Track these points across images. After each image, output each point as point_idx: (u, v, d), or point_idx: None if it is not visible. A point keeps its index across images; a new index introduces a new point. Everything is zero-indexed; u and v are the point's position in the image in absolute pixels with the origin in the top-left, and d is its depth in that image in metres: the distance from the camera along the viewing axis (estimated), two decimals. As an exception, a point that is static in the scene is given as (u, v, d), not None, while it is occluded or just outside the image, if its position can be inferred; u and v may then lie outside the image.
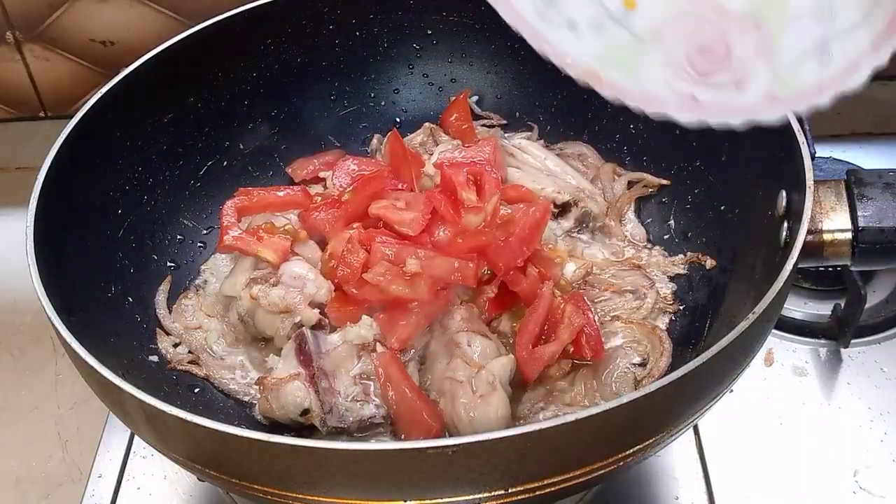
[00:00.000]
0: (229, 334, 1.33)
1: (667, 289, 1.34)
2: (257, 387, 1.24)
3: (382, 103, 1.58)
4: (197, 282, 1.40)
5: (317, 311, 1.25)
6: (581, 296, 1.30)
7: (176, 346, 1.31)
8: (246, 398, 1.27)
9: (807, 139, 1.13)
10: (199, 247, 1.44)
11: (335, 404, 1.18)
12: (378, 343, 1.23)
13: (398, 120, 1.58)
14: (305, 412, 1.17)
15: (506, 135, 1.53)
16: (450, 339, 1.21)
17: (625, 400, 0.89)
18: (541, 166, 1.45)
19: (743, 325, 0.96)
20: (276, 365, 1.22)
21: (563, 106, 1.53)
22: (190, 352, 1.31)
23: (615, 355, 1.26)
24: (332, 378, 1.20)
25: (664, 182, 1.43)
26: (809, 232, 1.08)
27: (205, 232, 1.45)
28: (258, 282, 1.27)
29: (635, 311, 1.31)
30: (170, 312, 1.34)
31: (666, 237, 1.41)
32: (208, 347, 1.32)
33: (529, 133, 1.54)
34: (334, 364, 1.21)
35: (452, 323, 1.23)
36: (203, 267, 1.42)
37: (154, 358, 1.28)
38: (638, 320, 1.30)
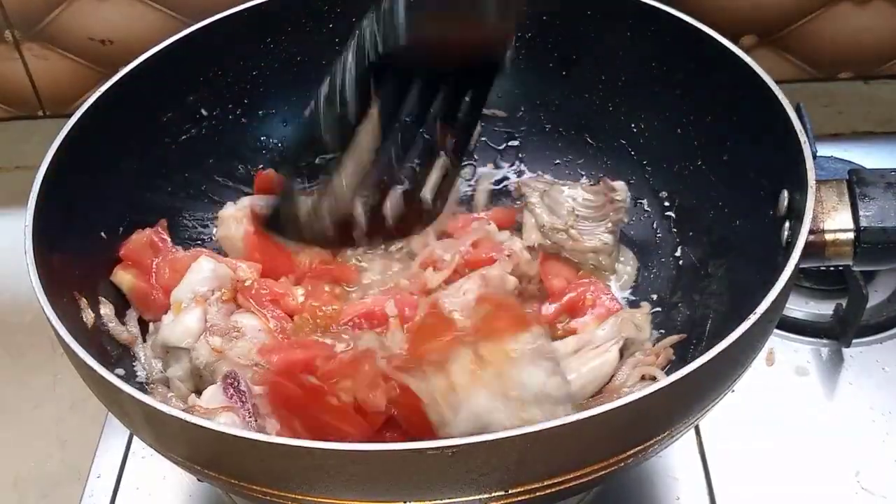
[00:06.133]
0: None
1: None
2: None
3: (382, 103, 1.58)
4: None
5: None
6: None
7: None
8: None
9: (808, 138, 1.13)
10: (199, 246, 1.44)
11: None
12: None
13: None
14: None
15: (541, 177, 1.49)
16: None
17: (625, 400, 0.89)
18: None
19: (744, 326, 0.96)
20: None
21: (564, 105, 1.52)
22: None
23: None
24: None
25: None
26: (811, 232, 1.08)
27: (205, 231, 1.45)
28: (215, 332, 1.22)
29: None
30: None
31: (667, 236, 1.41)
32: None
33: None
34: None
35: None
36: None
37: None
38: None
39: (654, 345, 1.29)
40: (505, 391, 1.11)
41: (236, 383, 1.15)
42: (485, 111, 1.55)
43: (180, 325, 1.24)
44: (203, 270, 1.29)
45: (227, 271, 1.30)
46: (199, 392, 1.22)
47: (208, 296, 1.27)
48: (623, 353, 1.26)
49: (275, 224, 1.02)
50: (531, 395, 1.10)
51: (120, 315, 1.28)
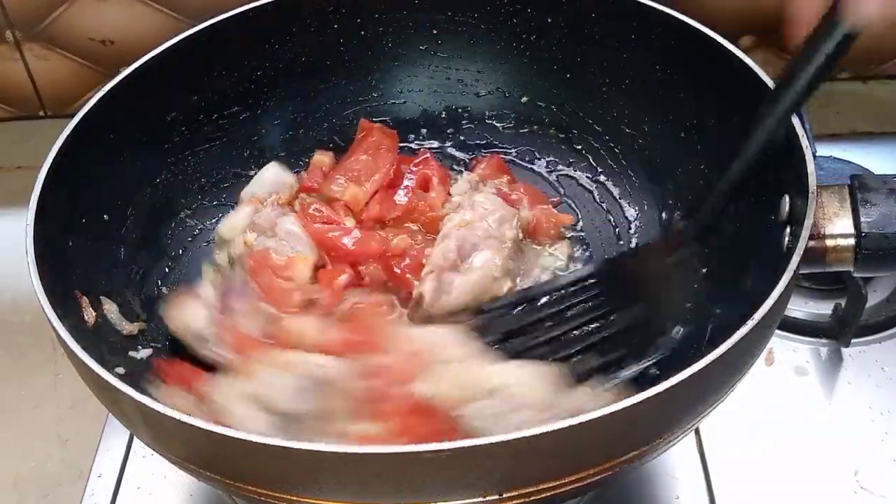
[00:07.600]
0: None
1: None
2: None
3: (386, 104, 1.58)
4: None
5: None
6: None
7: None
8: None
9: (809, 142, 1.12)
10: (203, 245, 1.44)
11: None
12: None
13: (403, 119, 1.58)
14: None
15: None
16: None
17: (620, 405, 0.88)
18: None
19: (743, 331, 0.96)
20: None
21: (566, 107, 1.52)
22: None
23: None
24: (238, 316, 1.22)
25: None
26: (812, 237, 1.07)
27: (208, 231, 1.45)
28: (255, 229, 1.32)
29: None
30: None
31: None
32: None
33: None
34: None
35: None
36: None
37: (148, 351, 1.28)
38: None
39: None
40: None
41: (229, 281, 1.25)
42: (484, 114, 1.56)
43: (230, 220, 1.38)
44: (266, 175, 1.43)
45: (290, 179, 1.43)
46: None
47: (264, 198, 1.38)
48: None
49: None
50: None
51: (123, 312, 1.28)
